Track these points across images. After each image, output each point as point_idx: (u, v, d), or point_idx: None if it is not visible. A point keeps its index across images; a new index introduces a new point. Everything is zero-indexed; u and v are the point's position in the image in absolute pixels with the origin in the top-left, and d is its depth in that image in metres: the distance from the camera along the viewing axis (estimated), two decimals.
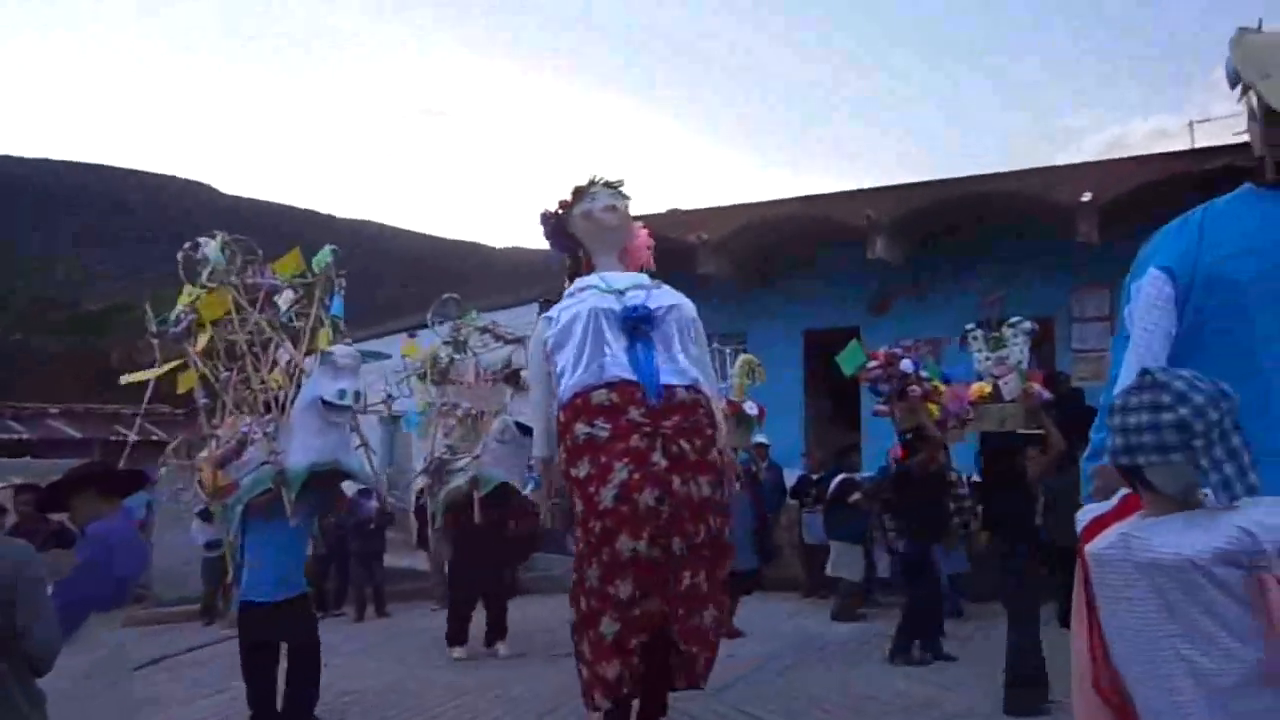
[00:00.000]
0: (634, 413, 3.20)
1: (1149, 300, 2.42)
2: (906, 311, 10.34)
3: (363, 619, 8.92)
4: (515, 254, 63.53)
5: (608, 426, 3.18)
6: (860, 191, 10.18)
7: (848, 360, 6.41)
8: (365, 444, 4.86)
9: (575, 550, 3.38)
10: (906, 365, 5.92)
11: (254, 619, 4.46)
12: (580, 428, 3.21)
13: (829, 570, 8.21)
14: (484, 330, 7.49)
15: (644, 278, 3.58)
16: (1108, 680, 1.80)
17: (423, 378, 7.37)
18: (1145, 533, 1.71)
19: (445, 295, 7.73)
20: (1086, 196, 8.42)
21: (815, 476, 9.04)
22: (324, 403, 4.31)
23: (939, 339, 7.99)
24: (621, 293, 3.41)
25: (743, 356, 7.37)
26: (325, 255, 4.84)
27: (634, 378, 3.22)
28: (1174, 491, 1.71)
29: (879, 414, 6.78)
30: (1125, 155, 13.04)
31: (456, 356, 7.36)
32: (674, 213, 11.31)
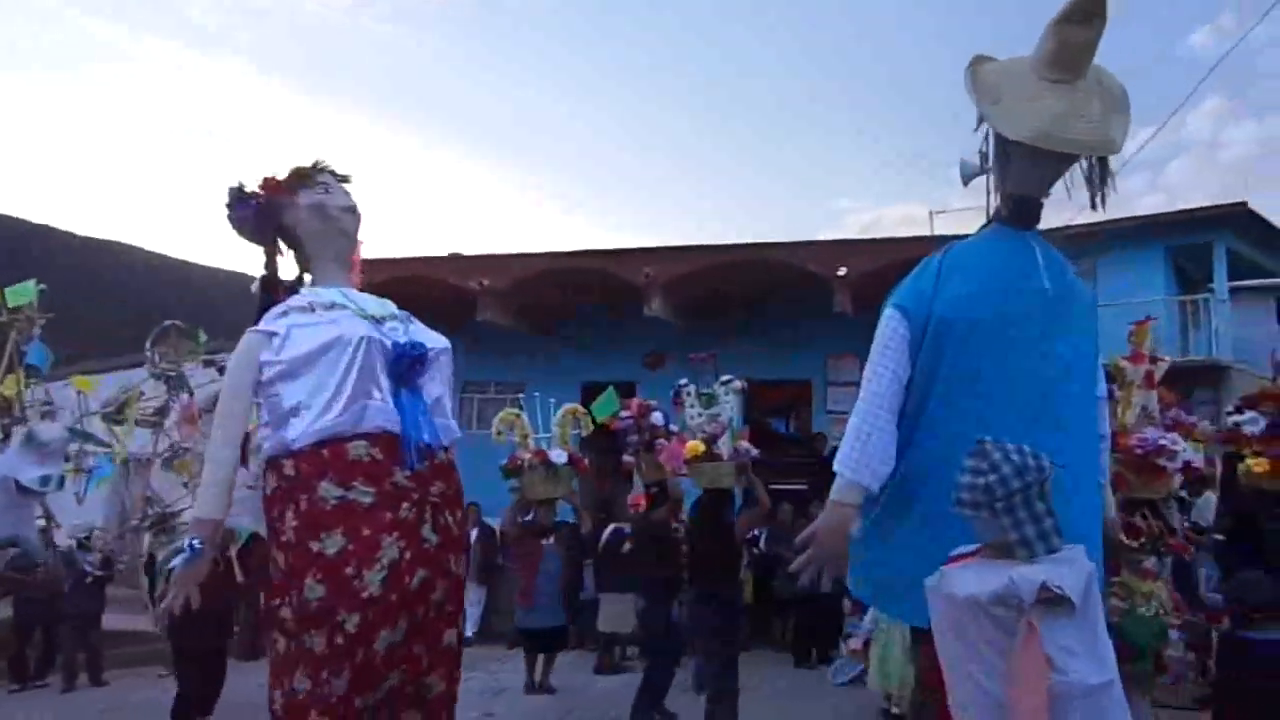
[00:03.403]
0: (399, 475, 2.44)
1: (883, 340, 2.41)
2: (681, 370, 10.71)
3: (73, 688, 7.82)
4: None
5: (371, 490, 2.39)
6: (641, 250, 10.50)
7: (602, 407, 6.47)
8: (49, 518, 4.22)
9: (281, 653, 2.36)
10: (657, 418, 6.05)
11: None
12: (328, 488, 2.37)
13: (600, 625, 8.15)
14: (208, 363, 6.79)
15: (393, 306, 2.76)
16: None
17: (110, 418, 6.56)
18: (957, 573, 1.99)
19: (166, 323, 6.97)
20: (842, 271, 9.16)
21: (584, 530, 9.02)
22: (19, 484, 3.72)
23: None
24: (379, 321, 2.61)
25: (565, 406, 7.11)
26: (26, 291, 4.17)
27: (398, 431, 2.48)
28: (990, 541, 1.99)
29: (626, 466, 6.83)
30: (879, 236, 14.34)
31: (173, 393, 6.59)
32: (456, 257, 11.13)
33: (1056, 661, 1.81)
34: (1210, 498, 8.70)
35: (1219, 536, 6.46)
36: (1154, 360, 5.71)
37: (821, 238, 10.79)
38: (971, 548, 2.04)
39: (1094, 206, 2.53)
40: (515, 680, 7.12)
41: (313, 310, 2.54)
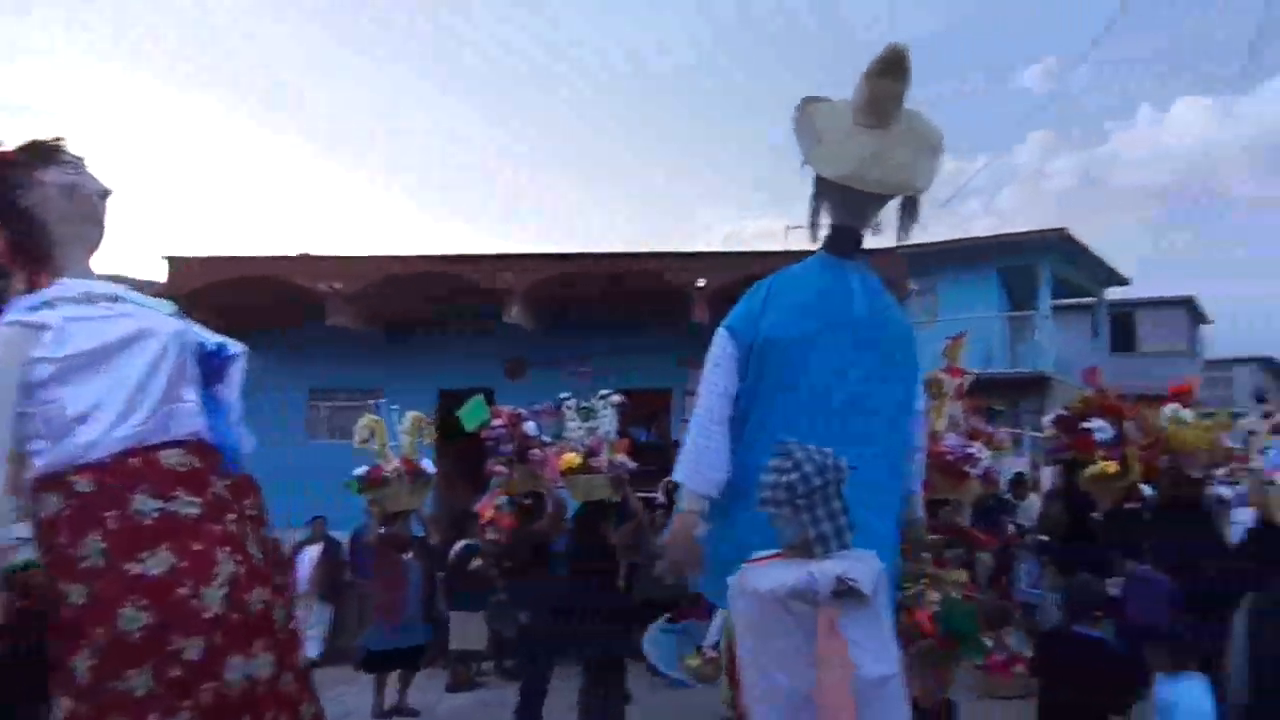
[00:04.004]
0: (218, 485, 2.21)
1: (713, 359, 2.65)
2: (540, 378, 10.61)
3: None
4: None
5: (196, 500, 2.14)
6: (501, 256, 10.32)
7: (470, 415, 6.29)
8: None
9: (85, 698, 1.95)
10: (530, 428, 5.95)
11: None
12: (144, 501, 2.09)
13: (451, 644, 7.88)
14: None
15: (168, 304, 2.46)
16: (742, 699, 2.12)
17: None
18: (759, 570, 2.06)
19: None
20: (701, 282, 9.30)
21: (433, 543, 8.76)
22: None
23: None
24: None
25: (410, 414, 6.87)
26: None
27: (211, 438, 2.25)
28: (791, 539, 2.06)
29: (494, 474, 6.74)
30: (738, 249, 14.66)
31: None
32: (305, 258, 10.61)
33: (851, 656, 1.91)
34: (1035, 500, 9.33)
35: (1043, 537, 6.90)
36: (964, 374, 6.10)
37: (681, 249, 10.92)
38: (772, 551, 2.14)
39: (900, 238, 2.81)
40: (364, 703, 6.79)
41: (92, 301, 2.21)
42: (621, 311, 10.92)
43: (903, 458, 2.83)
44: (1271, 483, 4.40)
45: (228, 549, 2.14)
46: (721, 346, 2.65)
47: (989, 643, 4.12)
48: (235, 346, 2.43)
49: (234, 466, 2.28)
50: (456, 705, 7.14)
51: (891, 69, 2.52)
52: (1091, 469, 5.34)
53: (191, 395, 2.25)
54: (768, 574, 2.03)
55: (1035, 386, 17.38)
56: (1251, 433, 4.83)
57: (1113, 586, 5.12)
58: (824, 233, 2.78)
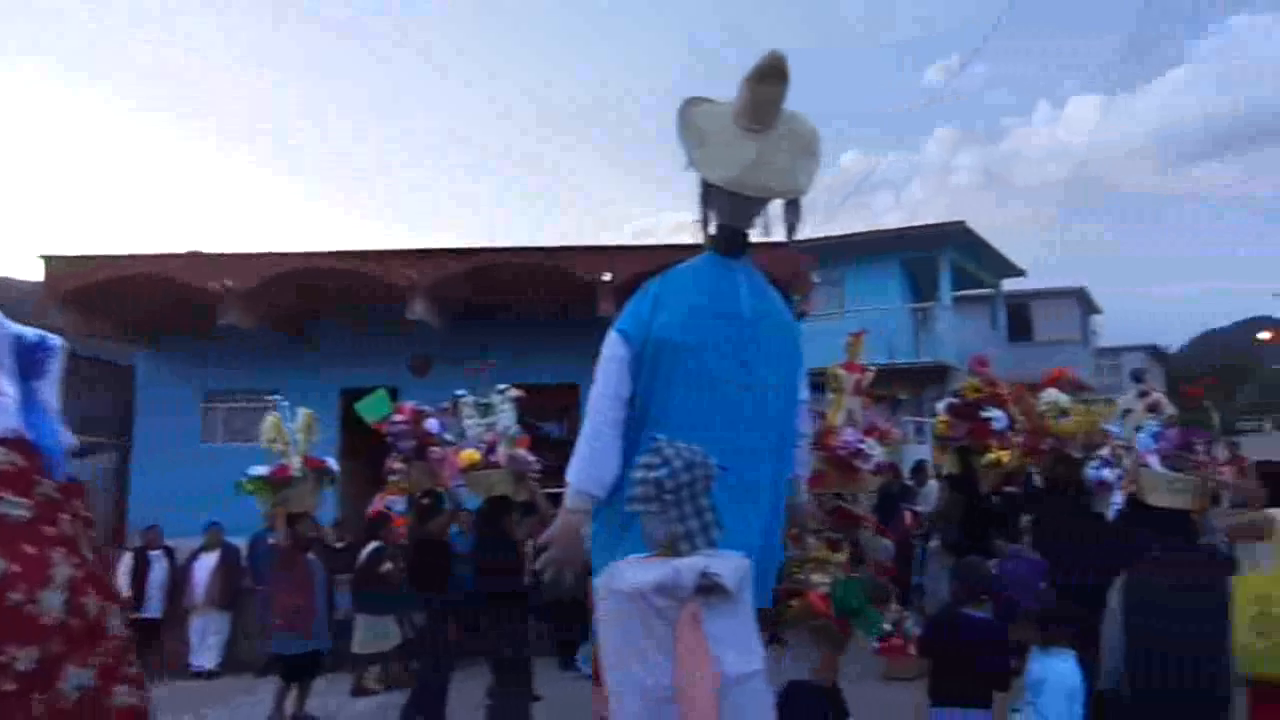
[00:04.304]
0: (46, 485, 2.11)
1: (605, 361, 2.68)
2: (448, 375, 10.41)
3: None
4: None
5: (24, 501, 2.03)
6: (403, 251, 10.10)
7: (368, 408, 6.11)
8: None
9: None
10: (432, 425, 5.84)
11: None
12: None
13: (355, 647, 7.68)
14: None
15: None
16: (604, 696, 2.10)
17: None
18: (625, 568, 2.05)
19: None
20: (607, 276, 9.27)
21: (339, 545, 8.54)
22: None
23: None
24: None
25: (303, 411, 6.62)
26: None
27: (31, 438, 2.14)
28: (660, 537, 2.06)
29: (393, 471, 6.62)
30: (644, 243, 14.70)
31: None
32: (194, 256, 10.17)
33: (713, 652, 1.91)
34: (934, 485, 9.62)
35: (948, 522, 7.08)
36: (862, 370, 6.24)
37: (588, 243, 10.87)
38: (643, 555, 2.13)
39: (788, 237, 2.90)
40: (261, 713, 6.57)
41: None
42: (529, 307, 10.83)
43: (790, 445, 2.94)
44: (1145, 465, 4.58)
45: (63, 551, 2.04)
46: (613, 349, 2.67)
47: (882, 616, 4.21)
48: (54, 340, 2.31)
49: (57, 466, 2.17)
50: (359, 711, 6.97)
51: (771, 75, 2.58)
52: (988, 456, 5.51)
53: (9, 389, 2.12)
54: (633, 571, 2.02)
55: (937, 376, 17.93)
56: (1128, 410, 5.05)
57: (995, 567, 5.30)
58: (711, 232, 2.85)
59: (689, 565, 1.94)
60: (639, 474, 2.06)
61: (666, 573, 1.93)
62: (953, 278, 19.37)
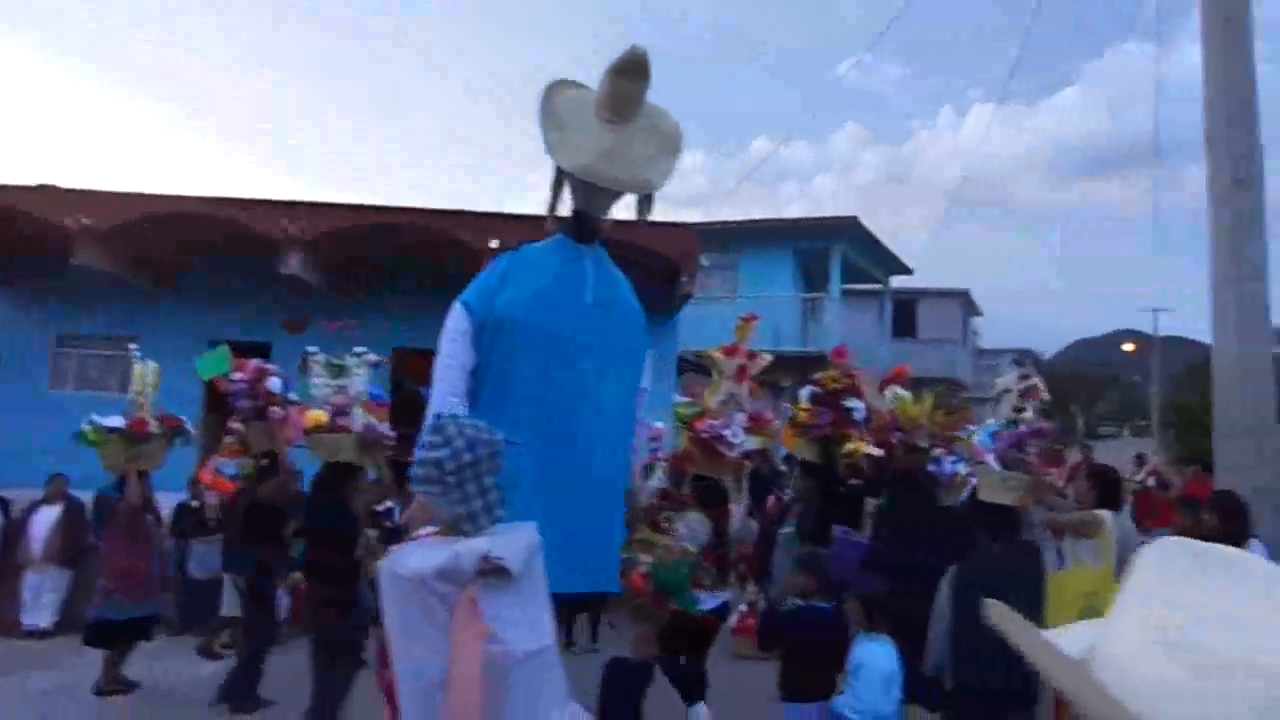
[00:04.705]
0: None
1: (450, 333, 2.69)
2: (323, 332, 10.06)
3: None
4: None
5: None
6: (282, 202, 9.66)
7: (208, 365, 5.77)
8: None
9: None
10: (274, 384, 5.58)
11: None
12: None
13: (224, 610, 7.34)
14: None
15: None
16: (388, 679, 2.08)
17: None
18: (408, 550, 2.00)
19: None
20: (494, 243, 9.09)
21: (195, 504, 8.17)
22: None
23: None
24: None
25: (151, 364, 6.26)
26: None
27: None
28: (445, 518, 2.00)
29: (232, 431, 6.40)
30: (537, 213, 14.48)
31: None
32: (48, 189, 9.49)
33: (495, 631, 1.89)
34: None
35: (805, 510, 7.23)
36: (751, 356, 6.31)
37: (476, 209, 10.63)
38: (431, 529, 2.10)
39: (638, 217, 2.96)
40: (90, 676, 6.23)
41: None
42: (415, 269, 10.53)
43: (628, 433, 2.98)
44: (982, 462, 4.79)
45: None
46: (456, 321, 2.68)
47: (701, 596, 4.29)
48: None
49: None
50: (203, 676, 6.68)
51: (631, 70, 2.62)
52: (848, 446, 5.64)
53: None
54: (415, 555, 1.96)
55: (822, 366, 18.36)
56: (1005, 390, 5.22)
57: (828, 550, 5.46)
58: (563, 215, 2.89)
59: (470, 549, 1.89)
60: (420, 453, 2.00)
61: (448, 558, 1.88)
62: (843, 271, 19.85)
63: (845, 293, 20.66)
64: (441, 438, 1.97)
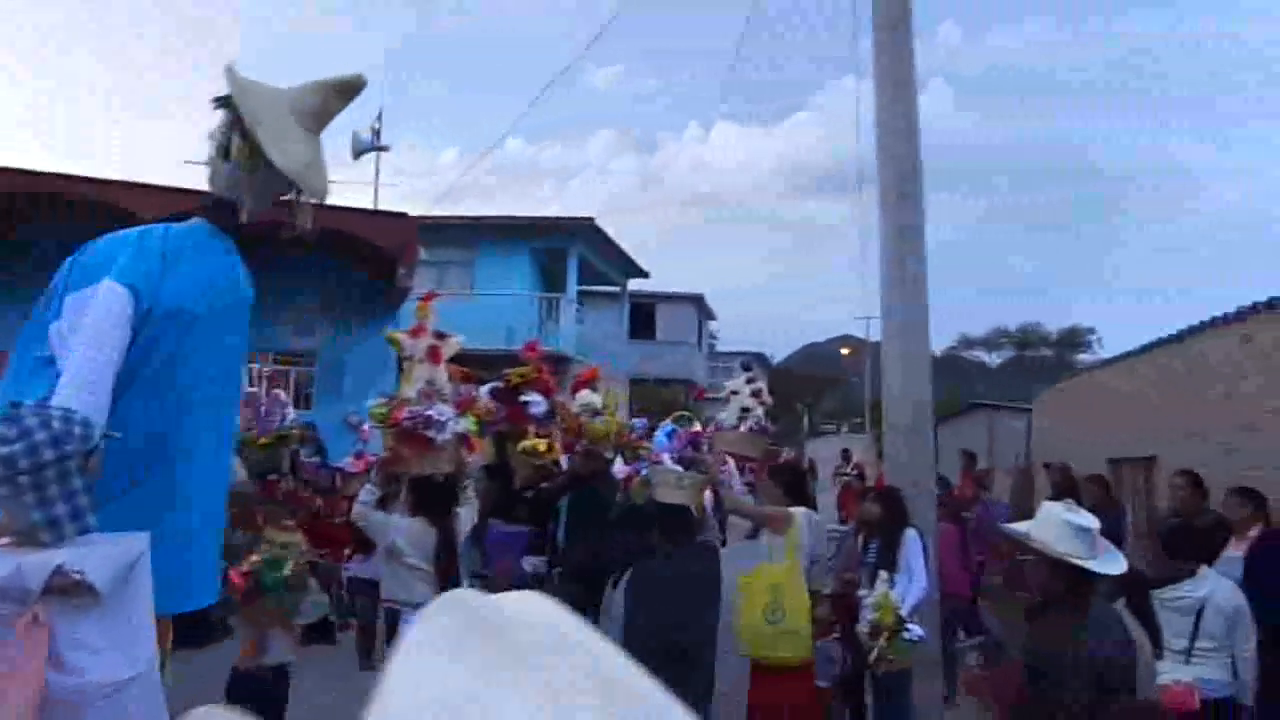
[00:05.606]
0: None
1: (111, 315, 2.38)
2: None
3: None
4: None
5: None
6: None
7: None
8: None
9: None
10: None
11: None
12: None
13: None
14: None
15: None
16: None
17: None
18: None
19: None
20: (149, 215, 8.02)
21: None
22: None
23: None
24: None
25: None
26: None
27: None
28: (18, 526, 1.69)
29: None
30: (199, 188, 13.22)
31: None
32: None
33: (71, 662, 1.61)
34: None
35: (481, 511, 6.86)
36: (441, 337, 5.80)
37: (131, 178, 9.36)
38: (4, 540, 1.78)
39: (285, 232, 2.83)
40: None
41: None
42: (74, 239, 9.07)
43: (234, 426, 2.97)
44: (659, 463, 4.65)
45: None
46: (123, 305, 2.41)
47: (299, 599, 3.95)
48: None
49: None
50: None
51: (350, 93, 2.69)
52: (524, 443, 5.31)
53: None
54: None
55: (559, 366, 18.27)
56: (734, 392, 5.30)
57: (527, 564, 5.15)
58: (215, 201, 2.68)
59: (37, 562, 1.61)
60: None
61: (9, 571, 1.60)
62: (580, 273, 19.87)
63: (584, 294, 20.71)
64: (16, 430, 1.68)
